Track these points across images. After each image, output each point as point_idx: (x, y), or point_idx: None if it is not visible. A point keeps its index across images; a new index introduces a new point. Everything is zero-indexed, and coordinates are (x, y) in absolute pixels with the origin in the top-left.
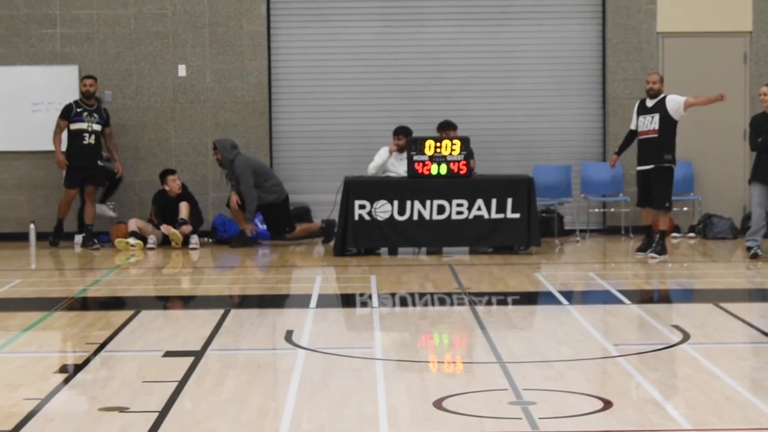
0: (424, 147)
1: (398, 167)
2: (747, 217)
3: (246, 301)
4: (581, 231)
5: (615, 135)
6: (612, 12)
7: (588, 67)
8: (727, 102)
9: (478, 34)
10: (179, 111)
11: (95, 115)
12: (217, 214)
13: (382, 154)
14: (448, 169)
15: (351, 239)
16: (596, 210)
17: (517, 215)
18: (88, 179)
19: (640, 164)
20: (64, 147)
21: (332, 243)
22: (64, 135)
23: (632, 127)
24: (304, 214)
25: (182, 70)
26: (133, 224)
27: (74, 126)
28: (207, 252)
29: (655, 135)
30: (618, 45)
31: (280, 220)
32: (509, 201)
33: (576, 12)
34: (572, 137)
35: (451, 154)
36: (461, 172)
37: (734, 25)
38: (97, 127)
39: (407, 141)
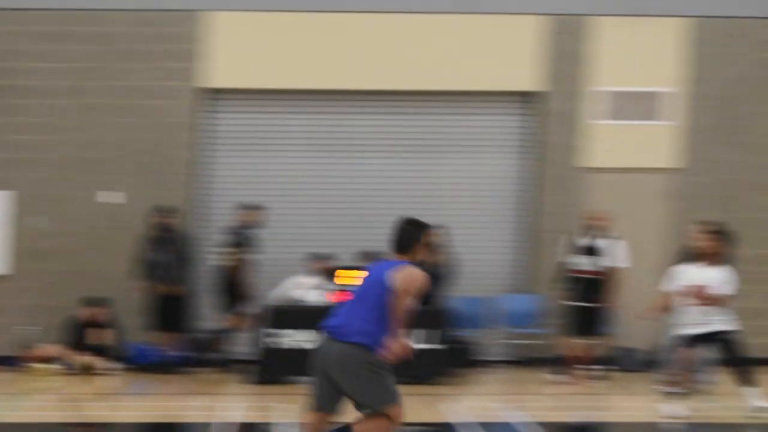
0: (346, 276)
1: (310, 294)
2: (661, 350)
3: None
4: (495, 362)
5: (536, 268)
6: (538, 146)
7: (506, 199)
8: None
9: (405, 165)
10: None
11: None
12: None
13: (296, 281)
14: None
15: (274, 368)
16: (514, 341)
17: (432, 346)
18: None
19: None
20: None
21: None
22: None
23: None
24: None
25: (117, 197)
26: (53, 349)
27: None
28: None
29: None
30: (543, 179)
31: None
32: (427, 331)
33: (504, 145)
34: (495, 269)
35: None
36: None
37: (661, 161)
38: None
39: (329, 269)
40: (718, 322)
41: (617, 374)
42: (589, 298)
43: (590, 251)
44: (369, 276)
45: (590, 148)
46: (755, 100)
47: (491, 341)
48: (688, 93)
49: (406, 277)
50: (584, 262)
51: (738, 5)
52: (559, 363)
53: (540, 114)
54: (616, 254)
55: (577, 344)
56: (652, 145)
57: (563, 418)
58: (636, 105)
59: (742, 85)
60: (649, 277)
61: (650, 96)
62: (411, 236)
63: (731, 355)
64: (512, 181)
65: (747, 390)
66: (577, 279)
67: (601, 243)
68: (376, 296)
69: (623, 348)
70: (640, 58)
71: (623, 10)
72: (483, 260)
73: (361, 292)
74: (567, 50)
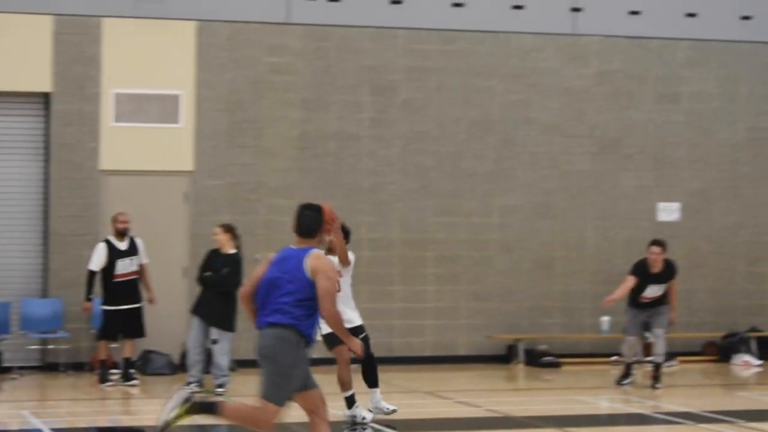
0: None
1: None
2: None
3: None
4: (19, 368)
5: (56, 271)
6: (55, 149)
7: (30, 203)
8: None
9: None
10: None
11: None
12: None
13: None
14: None
15: None
16: (35, 347)
17: None
18: None
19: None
20: None
21: None
22: None
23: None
24: None
25: None
26: None
27: None
28: None
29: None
30: (61, 182)
31: None
32: None
33: (19, 148)
34: (13, 273)
35: None
36: None
37: (176, 164)
38: None
39: None
40: (356, 317)
41: (142, 377)
42: (127, 300)
43: (123, 253)
44: (282, 263)
45: (107, 150)
46: (267, 104)
47: (15, 347)
48: (197, 96)
49: (324, 262)
50: (119, 265)
51: (244, 11)
52: (93, 367)
53: (56, 116)
54: (140, 252)
55: (110, 347)
56: (167, 147)
57: (82, 423)
58: (150, 107)
59: (252, 88)
60: (175, 276)
61: (164, 99)
62: (316, 221)
63: (366, 354)
64: (32, 183)
65: (375, 392)
66: (115, 282)
67: (129, 243)
68: (300, 283)
69: (150, 351)
70: (154, 61)
71: (136, 13)
72: (3, 264)
73: (276, 279)
74: (83, 52)
